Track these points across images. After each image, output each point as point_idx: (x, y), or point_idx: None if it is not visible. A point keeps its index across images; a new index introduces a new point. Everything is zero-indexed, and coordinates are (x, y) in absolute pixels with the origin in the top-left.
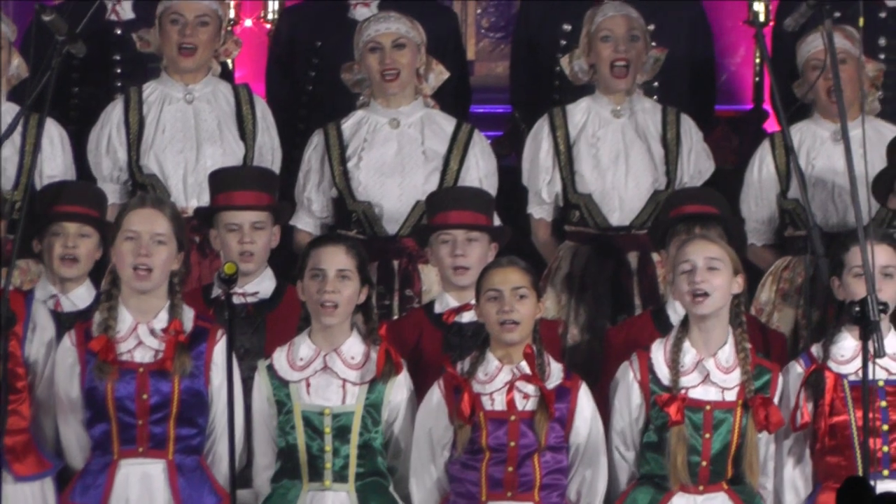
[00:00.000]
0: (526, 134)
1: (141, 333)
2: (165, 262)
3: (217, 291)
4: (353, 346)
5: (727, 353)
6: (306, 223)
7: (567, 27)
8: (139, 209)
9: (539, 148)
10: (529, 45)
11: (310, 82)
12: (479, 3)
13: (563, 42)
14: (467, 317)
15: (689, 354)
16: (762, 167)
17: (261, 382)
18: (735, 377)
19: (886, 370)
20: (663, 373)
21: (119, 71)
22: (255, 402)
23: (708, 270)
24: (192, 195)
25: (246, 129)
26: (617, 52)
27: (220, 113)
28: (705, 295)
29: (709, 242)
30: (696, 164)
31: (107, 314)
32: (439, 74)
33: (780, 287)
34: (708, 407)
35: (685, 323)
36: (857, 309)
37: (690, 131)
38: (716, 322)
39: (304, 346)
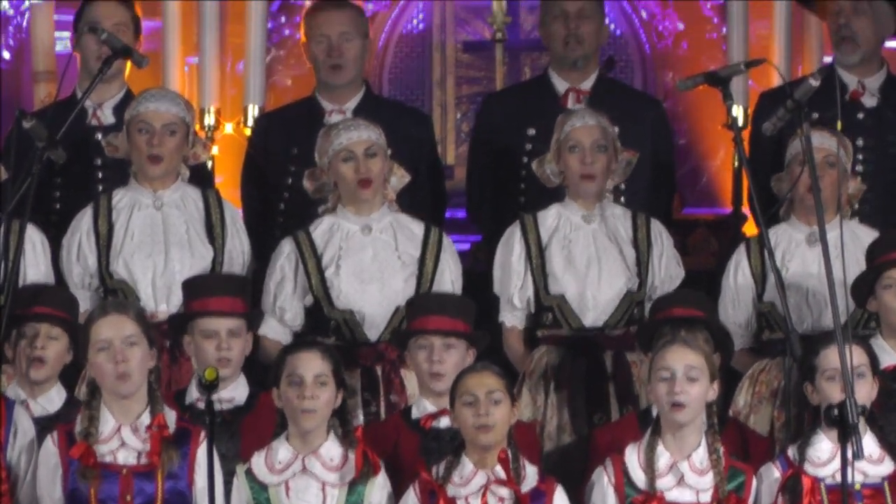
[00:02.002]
0: (485, 242)
1: (124, 435)
2: (141, 362)
3: (191, 397)
4: (331, 449)
5: (701, 455)
6: (276, 332)
7: (531, 131)
8: (104, 317)
9: (511, 252)
10: (490, 151)
11: (285, 189)
12: (459, 108)
13: (529, 146)
14: (445, 422)
15: (663, 457)
16: (738, 271)
17: (240, 486)
18: (709, 479)
19: (863, 473)
20: (638, 476)
21: (100, 176)
22: None
23: (687, 380)
24: (161, 299)
25: (215, 234)
26: (584, 164)
27: (189, 218)
28: (684, 405)
29: (688, 350)
30: (667, 269)
31: (87, 423)
32: (401, 178)
33: (756, 390)
34: None
35: (657, 425)
36: (836, 412)
37: (661, 236)
38: (690, 427)
39: (282, 450)
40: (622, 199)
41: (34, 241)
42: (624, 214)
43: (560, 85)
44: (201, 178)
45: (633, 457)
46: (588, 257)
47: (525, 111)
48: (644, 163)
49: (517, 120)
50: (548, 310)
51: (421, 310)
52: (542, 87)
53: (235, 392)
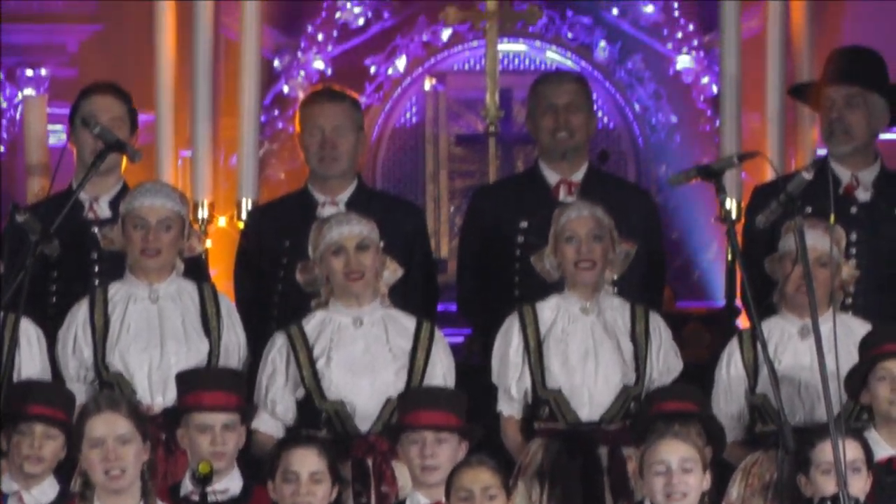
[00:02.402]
0: (476, 337)
1: None
2: (134, 459)
3: (186, 490)
4: None
5: None
6: (269, 426)
7: (524, 224)
8: (97, 414)
9: (509, 345)
10: (482, 245)
11: (279, 282)
12: (452, 202)
13: (521, 239)
14: None
15: None
16: (731, 364)
17: None
18: None
19: None
20: None
21: (97, 269)
22: None
23: (683, 472)
24: (157, 392)
25: (211, 327)
26: (580, 254)
27: (185, 311)
28: (684, 495)
29: (681, 443)
30: (665, 362)
31: None
32: (394, 272)
33: (749, 482)
34: None
35: None
36: None
37: (659, 329)
38: None
39: None
40: (615, 289)
41: (29, 335)
42: (622, 306)
43: (551, 177)
44: (196, 270)
45: None
46: (585, 351)
47: (517, 203)
48: (635, 255)
49: (509, 212)
50: (544, 403)
51: (412, 404)
52: (534, 179)
53: (230, 483)
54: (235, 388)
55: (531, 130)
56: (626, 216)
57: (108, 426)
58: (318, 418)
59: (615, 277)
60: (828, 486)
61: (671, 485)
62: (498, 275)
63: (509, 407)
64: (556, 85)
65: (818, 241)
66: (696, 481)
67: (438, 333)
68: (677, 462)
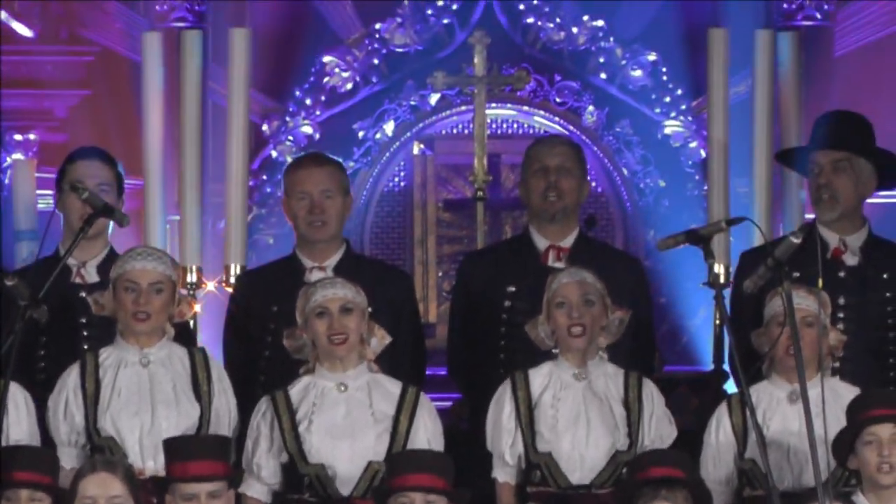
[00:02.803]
0: (465, 402)
1: None
2: None
3: None
4: None
5: None
6: (256, 490)
7: (511, 289)
8: (92, 474)
9: (501, 411)
10: (471, 311)
11: (267, 347)
12: (440, 267)
13: (507, 303)
14: None
15: None
16: (719, 429)
17: None
18: None
19: None
20: None
21: (85, 334)
22: None
23: None
24: (148, 457)
25: (201, 392)
26: (571, 319)
27: (176, 376)
28: None
29: None
30: (658, 429)
31: None
32: (382, 339)
33: None
34: None
35: None
36: None
37: (652, 395)
38: None
39: None
40: (605, 356)
41: (17, 400)
42: (615, 373)
43: (540, 242)
44: (184, 336)
45: None
46: (577, 415)
47: (505, 268)
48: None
49: (497, 277)
50: (536, 467)
51: (401, 467)
52: (523, 244)
53: None
54: (221, 456)
55: (522, 195)
56: (616, 283)
57: (103, 487)
58: (301, 483)
59: (607, 345)
60: None
61: None
62: (485, 339)
63: (504, 473)
64: (549, 148)
65: (803, 301)
66: None
67: (424, 399)
68: None
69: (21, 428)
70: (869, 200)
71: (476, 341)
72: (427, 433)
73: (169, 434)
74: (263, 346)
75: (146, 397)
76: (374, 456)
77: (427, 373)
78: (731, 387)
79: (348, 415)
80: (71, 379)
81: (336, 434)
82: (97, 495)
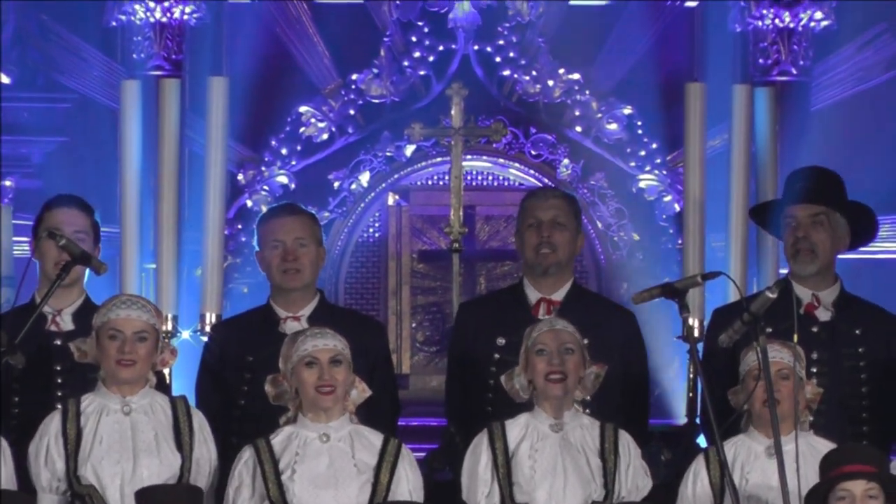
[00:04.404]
0: (461, 448)
1: None
2: None
3: None
4: None
5: None
6: None
7: (501, 341)
8: None
9: (478, 462)
10: (464, 360)
11: (242, 396)
12: (414, 318)
13: (497, 356)
14: None
15: None
16: (697, 482)
17: None
18: None
19: None
20: None
21: (60, 381)
22: None
23: None
24: None
25: (183, 441)
26: (551, 365)
27: (158, 424)
28: None
29: None
30: (634, 480)
31: None
32: (362, 392)
33: None
34: None
35: None
36: None
37: (629, 447)
38: None
39: None
40: (587, 410)
41: None
42: (591, 425)
43: (532, 295)
44: (159, 384)
45: None
46: (554, 466)
47: (497, 320)
48: (614, 375)
49: (488, 328)
50: None
51: None
52: (516, 296)
53: None
54: None
55: (517, 247)
56: (608, 335)
57: None
58: None
59: (584, 398)
60: None
61: None
62: (474, 390)
63: None
64: (542, 201)
65: (778, 354)
66: None
67: (405, 450)
68: None
69: None
70: (840, 257)
71: (469, 388)
72: (409, 484)
73: (151, 482)
74: (238, 395)
75: (128, 445)
76: None
77: (399, 423)
78: (704, 440)
79: (331, 465)
80: (52, 425)
81: (320, 483)
82: None
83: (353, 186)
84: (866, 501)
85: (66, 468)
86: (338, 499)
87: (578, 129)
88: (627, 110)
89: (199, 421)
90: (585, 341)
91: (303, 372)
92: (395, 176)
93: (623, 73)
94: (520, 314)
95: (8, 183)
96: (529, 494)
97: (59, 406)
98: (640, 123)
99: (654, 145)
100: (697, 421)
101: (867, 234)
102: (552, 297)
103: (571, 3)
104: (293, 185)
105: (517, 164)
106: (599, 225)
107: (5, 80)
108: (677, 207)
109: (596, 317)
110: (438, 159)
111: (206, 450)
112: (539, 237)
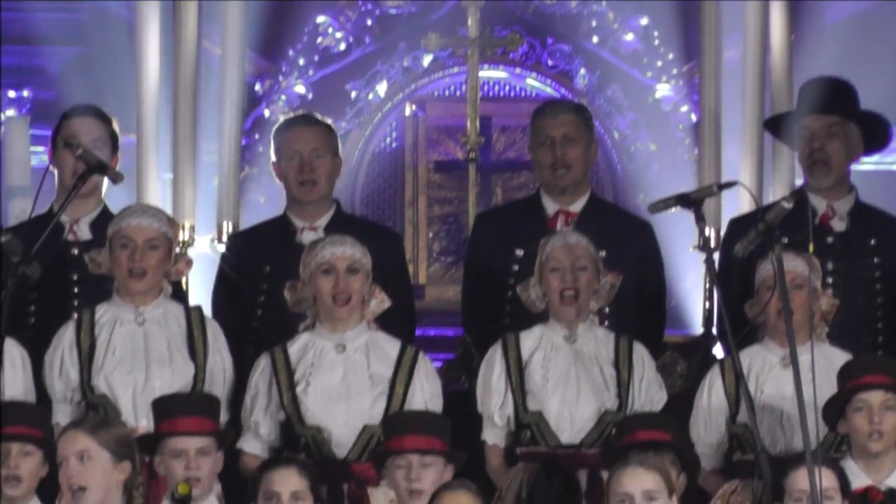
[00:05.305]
0: (477, 358)
1: None
2: (101, 476)
3: None
4: None
5: None
6: (253, 446)
7: (519, 252)
8: (62, 435)
9: (492, 372)
10: (480, 270)
11: (258, 307)
12: (431, 228)
13: (516, 267)
14: None
15: None
16: (712, 392)
17: None
18: None
19: None
20: None
21: (76, 291)
22: None
23: (646, 502)
24: (141, 415)
25: (196, 351)
26: (564, 283)
27: (171, 335)
28: None
29: (644, 472)
30: (648, 393)
31: None
32: (381, 302)
33: None
34: None
35: None
36: None
37: (643, 359)
38: None
39: None
40: (606, 322)
41: (13, 356)
42: (606, 337)
43: (550, 207)
44: (176, 294)
45: None
46: (567, 375)
47: (514, 231)
48: (631, 286)
49: (506, 240)
50: (526, 427)
51: (397, 429)
52: (533, 207)
53: None
54: (210, 414)
55: (533, 162)
56: (625, 247)
57: (69, 444)
58: (298, 442)
59: (598, 308)
60: None
61: None
62: (492, 300)
63: (493, 435)
64: (552, 118)
65: (791, 263)
66: None
67: (423, 359)
68: (640, 493)
69: (17, 385)
70: (854, 168)
71: (486, 299)
72: (424, 395)
73: (163, 393)
74: (255, 305)
75: (140, 356)
76: (371, 419)
77: (416, 333)
78: (719, 351)
79: (345, 377)
80: (66, 336)
81: (332, 397)
82: (67, 453)
83: (370, 97)
84: (884, 412)
85: (79, 378)
86: (350, 412)
87: (595, 39)
88: (643, 21)
89: (214, 331)
90: (602, 253)
91: (319, 279)
92: (412, 86)
93: None
94: (537, 225)
95: (25, 93)
96: (542, 403)
97: (75, 316)
98: (656, 34)
99: (671, 56)
100: (713, 332)
101: (881, 142)
102: (570, 209)
103: None
104: (310, 96)
105: (534, 75)
106: (616, 135)
107: None
108: (693, 118)
109: (613, 228)
110: (455, 70)
111: (219, 359)
112: (553, 156)
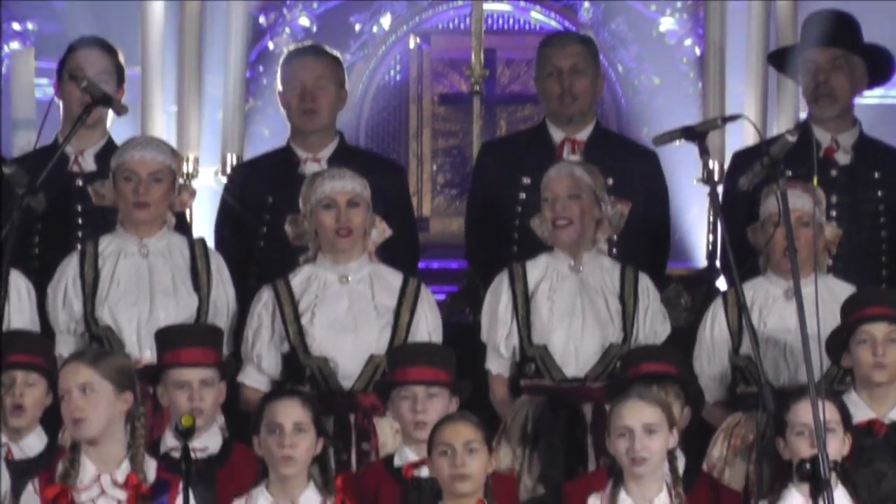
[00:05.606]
0: (482, 290)
1: (104, 483)
2: (104, 408)
3: (166, 446)
4: (311, 498)
5: (663, 500)
6: (255, 380)
7: (526, 181)
8: (63, 367)
9: (498, 302)
10: (486, 200)
11: (261, 238)
12: (435, 161)
13: (523, 196)
14: (427, 471)
15: None
16: (714, 325)
17: None
18: None
19: None
20: None
21: (80, 222)
22: None
23: (646, 435)
24: (145, 347)
25: (200, 283)
26: (554, 213)
27: (175, 266)
28: (644, 460)
29: (645, 405)
30: (652, 325)
31: (68, 465)
32: (382, 232)
33: (731, 443)
34: None
35: (620, 474)
36: (808, 467)
37: (648, 290)
38: (652, 476)
39: (261, 498)
40: (614, 251)
41: (19, 287)
42: (612, 267)
43: (556, 135)
44: (180, 226)
45: None
46: (573, 308)
47: (520, 160)
48: (636, 216)
49: (512, 169)
50: (531, 360)
51: (402, 360)
52: (539, 136)
53: (209, 441)
54: (213, 345)
55: (539, 93)
56: (630, 176)
57: (70, 377)
58: (302, 374)
59: (608, 237)
60: (802, 448)
61: (633, 449)
62: (499, 230)
63: (497, 365)
64: (559, 48)
65: (798, 200)
66: (660, 444)
67: (425, 291)
68: (640, 426)
69: (23, 316)
70: (858, 101)
71: (491, 230)
72: (428, 326)
73: (167, 324)
74: (257, 236)
75: (144, 288)
76: (377, 349)
77: (419, 266)
78: (722, 284)
79: (350, 308)
80: (70, 267)
81: (338, 327)
82: (69, 387)
83: (375, 29)
84: (888, 345)
85: (83, 310)
86: (357, 343)
87: None
88: None
89: (217, 262)
90: (610, 181)
91: (321, 214)
92: (416, 19)
93: None
94: (543, 154)
95: (30, 26)
96: (547, 336)
97: (78, 247)
98: None
99: None
100: (717, 265)
101: (885, 75)
102: (576, 138)
103: None
104: (314, 28)
105: (538, 8)
106: (620, 69)
107: None
108: (698, 51)
109: (619, 157)
110: (459, 2)
111: (223, 291)
112: (560, 87)
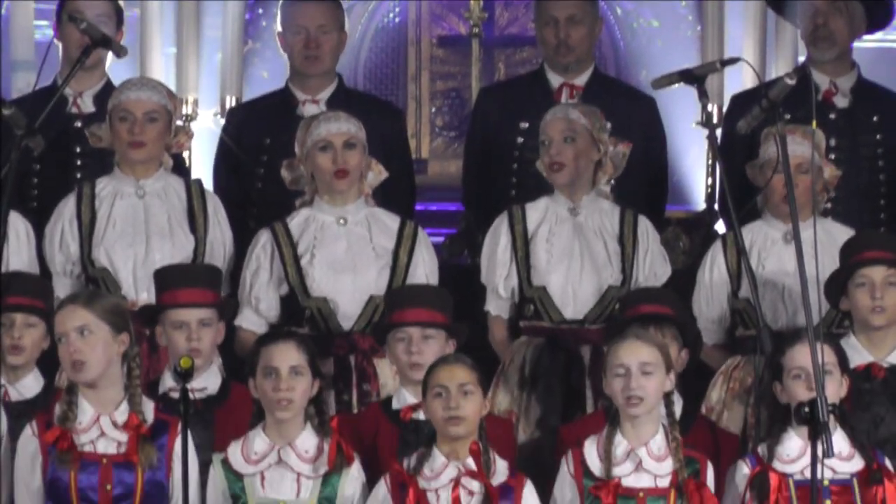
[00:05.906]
0: (479, 233)
1: (103, 424)
2: (101, 350)
3: (164, 387)
4: (307, 440)
5: (659, 442)
6: (252, 322)
7: (524, 125)
8: (59, 310)
9: (497, 243)
10: (484, 145)
11: (258, 179)
12: (434, 103)
13: (520, 140)
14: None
15: (621, 446)
16: (713, 267)
17: (216, 476)
18: (667, 465)
19: (832, 469)
20: (595, 465)
21: (79, 164)
22: (210, 495)
23: (642, 375)
24: (141, 288)
25: (197, 224)
26: (548, 156)
27: (171, 208)
28: (641, 400)
29: (642, 345)
30: (652, 267)
31: (66, 407)
32: (378, 174)
33: (730, 387)
34: (641, 494)
35: (616, 416)
36: (807, 409)
37: (647, 233)
38: (648, 417)
39: (258, 440)
40: (612, 194)
41: (18, 228)
42: (612, 210)
43: (554, 80)
44: (178, 168)
45: (591, 448)
46: (571, 250)
47: (518, 105)
48: (635, 160)
49: (510, 113)
50: (530, 301)
51: (399, 302)
52: (537, 81)
53: (208, 382)
54: (211, 285)
55: (537, 39)
56: (628, 120)
57: (67, 319)
58: (301, 316)
59: (608, 178)
60: (799, 391)
61: (629, 388)
62: (497, 174)
63: (496, 306)
64: None
65: (798, 146)
66: (656, 385)
67: (422, 233)
68: (636, 365)
69: (21, 258)
70: (856, 45)
71: (489, 174)
72: (425, 268)
73: (163, 265)
74: (255, 178)
75: (141, 229)
76: (376, 290)
77: (418, 208)
78: (721, 227)
79: (349, 249)
80: (67, 208)
81: (338, 268)
82: (66, 329)
83: None
84: (886, 288)
85: (79, 251)
86: (356, 283)
87: None
88: None
89: (214, 204)
90: (609, 126)
91: (317, 156)
92: None
93: None
94: (542, 99)
95: None
96: (545, 278)
97: (75, 189)
98: None
99: None
100: (716, 207)
101: (883, 20)
102: (574, 82)
103: None
104: None
105: None
106: (619, 12)
107: None
108: None
109: (617, 102)
110: None
111: (219, 233)
112: (556, 37)
